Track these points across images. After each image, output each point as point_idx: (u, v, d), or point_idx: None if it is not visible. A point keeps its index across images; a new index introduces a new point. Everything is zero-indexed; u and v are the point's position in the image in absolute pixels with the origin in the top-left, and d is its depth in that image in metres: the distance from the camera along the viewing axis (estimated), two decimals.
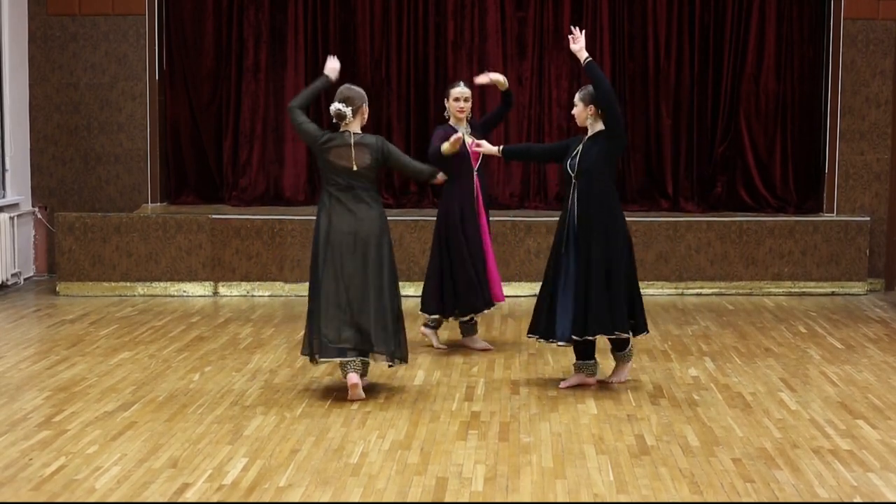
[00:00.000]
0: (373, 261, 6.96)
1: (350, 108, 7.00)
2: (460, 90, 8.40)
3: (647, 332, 7.41)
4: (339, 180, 6.99)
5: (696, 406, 6.90)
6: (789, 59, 11.82)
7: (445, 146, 7.98)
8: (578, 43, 7.17)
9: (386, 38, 11.90)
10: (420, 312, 8.55)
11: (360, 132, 7.09)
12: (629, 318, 7.18)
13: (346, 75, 11.82)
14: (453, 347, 8.51)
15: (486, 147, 7.82)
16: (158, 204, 11.74)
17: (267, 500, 5.25)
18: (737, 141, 11.81)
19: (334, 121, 7.07)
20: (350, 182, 6.99)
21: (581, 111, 7.22)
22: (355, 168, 6.96)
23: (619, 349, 7.41)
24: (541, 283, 7.42)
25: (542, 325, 7.25)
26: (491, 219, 8.70)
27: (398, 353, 7.04)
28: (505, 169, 11.95)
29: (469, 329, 8.55)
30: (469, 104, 8.42)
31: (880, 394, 7.26)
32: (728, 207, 11.81)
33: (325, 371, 7.73)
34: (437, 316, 8.44)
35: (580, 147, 7.20)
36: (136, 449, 5.97)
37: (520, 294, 10.94)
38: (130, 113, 11.59)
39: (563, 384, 7.34)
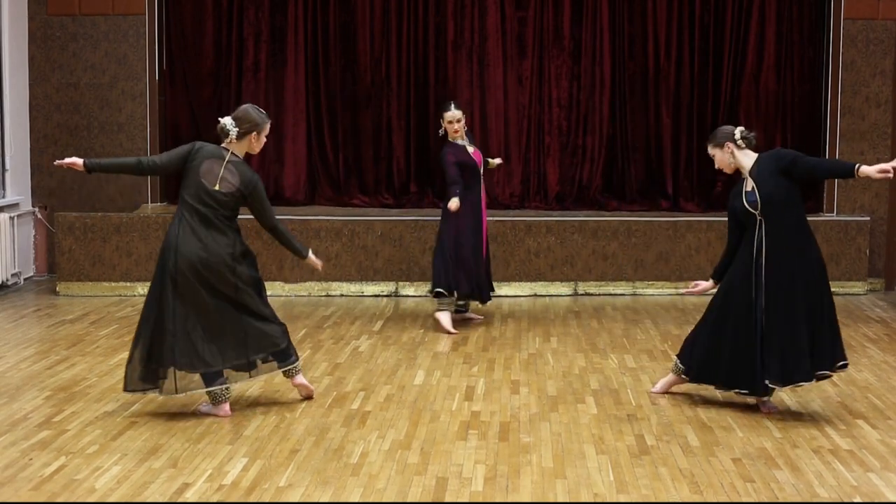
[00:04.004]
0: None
1: (236, 129, 6.55)
2: (452, 113, 9.01)
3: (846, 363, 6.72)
4: (199, 198, 6.49)
5: (696, 406, 6.90)
6: (789, 59, 11.82)
7: (452, 206, 8.71)
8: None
9: (386, 38, 11.90)
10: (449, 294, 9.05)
11: (238, 157, 6.62)
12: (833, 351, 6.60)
13: (346, 75, 11.96)
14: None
15: (702, 287, 7.00)
16: (158, 204, 11.74)
17: (267, 500, 5.25)
18: None
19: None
20: (208, 203, 6.49)
21: (722, 156, 6.64)
22: (217, 188, 6.47)
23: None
24: (710, 319, 6.76)
25: (732, 374, 6.64)
26: (491, 219, 9.08)
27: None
28: (505, 169, 11.95)
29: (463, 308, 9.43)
30: (462, 122, 9.03)
31: (880, 394, 7.26)
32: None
33: (324, 371, 7.73)
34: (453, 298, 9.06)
35: (749, 183, 6.57)
36: (136, 449, 5.97)
37: (520, 294, 10.94)
38: (130, 113, 11.59)
39: (764, 409, 6.75)
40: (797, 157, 6.56)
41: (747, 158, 6.63)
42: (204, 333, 6.45)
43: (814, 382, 6.67)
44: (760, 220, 6.53)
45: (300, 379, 6.87)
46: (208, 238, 6.47)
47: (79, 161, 6.57)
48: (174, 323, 6.42)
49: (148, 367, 6.49)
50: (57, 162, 6.72)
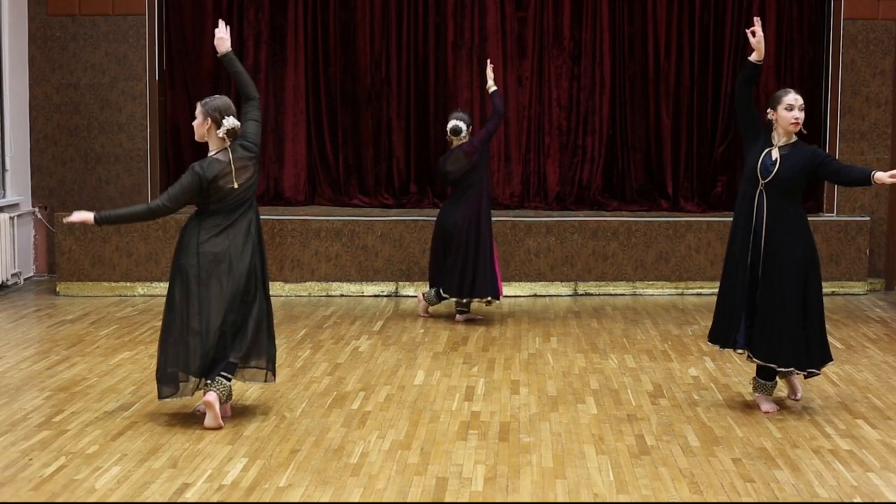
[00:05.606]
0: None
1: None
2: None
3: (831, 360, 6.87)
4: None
5: (696, 406, 6.90)
6: (789, 59, 11.83)
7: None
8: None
9: (386, 38, 11.90)
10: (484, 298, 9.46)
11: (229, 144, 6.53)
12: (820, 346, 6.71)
13: (346, 75, 11.96)
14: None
15: None
16: None
17: (267, 500, 5.25)
18: (737, 141, 11.80)
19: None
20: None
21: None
22: (236, 185, 6.41)
23: (768, 378, 6.82)
24: (718, 288, 6.91)
25: (723, 333, 6.79)
26: (491, 219, 9.57)
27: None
28: (505, 169, 11.96)
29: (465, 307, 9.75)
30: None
31: (880, 394, 7.26)
32: (728, 207, 11.79)
33: (324, 371, 7.73)
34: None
35: (775, 152, 6.62)
36: (136, 449, 5.97)
37: (520, 294, 10.94)
38: (130, 113, 11.59)
39: (765, 408, 6.78)
40: (825, 160, 6.68)
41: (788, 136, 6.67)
42: (226, 329, 6.39)
43: (800, 374, 6.75)
44: (762, 189, 6.60)
45: (214, 400, 6.36)
46: (229, 231, 6.41)
47: (89, 215, 6.29)
48: (200, 322, 6.35)
49: (176, 371, 6.42)
50: (66, 220, 6.38)
